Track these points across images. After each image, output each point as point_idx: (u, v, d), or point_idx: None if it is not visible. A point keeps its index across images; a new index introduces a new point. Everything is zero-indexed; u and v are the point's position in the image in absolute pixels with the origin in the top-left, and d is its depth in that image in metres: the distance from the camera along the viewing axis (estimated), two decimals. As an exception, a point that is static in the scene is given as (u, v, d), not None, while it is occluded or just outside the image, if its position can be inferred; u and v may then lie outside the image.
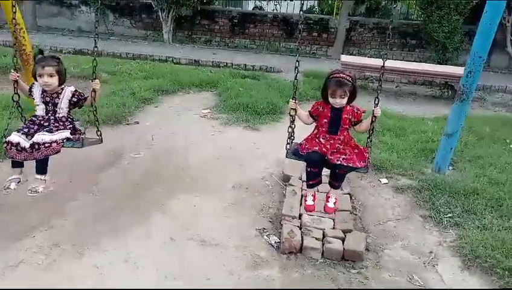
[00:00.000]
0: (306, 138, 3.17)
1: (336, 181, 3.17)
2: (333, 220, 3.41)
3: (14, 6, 3.24)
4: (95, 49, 3.20)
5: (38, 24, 12.35)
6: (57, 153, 2.97)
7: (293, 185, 3.91)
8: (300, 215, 3.45)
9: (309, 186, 3.21)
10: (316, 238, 3.17)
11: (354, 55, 11.28)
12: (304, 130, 3.30)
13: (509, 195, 3.92)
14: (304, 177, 3.85)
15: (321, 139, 3.03)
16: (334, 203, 3.24)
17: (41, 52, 3.09)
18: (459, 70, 7.07)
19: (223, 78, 7.80)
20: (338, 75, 2.91)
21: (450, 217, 3.64)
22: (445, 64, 9.78)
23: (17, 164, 3.04)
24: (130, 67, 8.26)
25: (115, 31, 12.40)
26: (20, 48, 4.54)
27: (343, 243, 3.11)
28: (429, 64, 9.27)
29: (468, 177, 4.29)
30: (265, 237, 3.30)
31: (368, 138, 3.08)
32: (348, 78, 2.89)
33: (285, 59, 10.49)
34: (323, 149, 2.98)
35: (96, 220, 3.35)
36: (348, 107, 2.99)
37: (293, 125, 3.19)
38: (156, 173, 4.20)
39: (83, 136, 3.15)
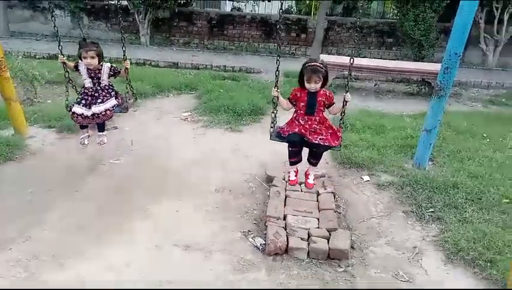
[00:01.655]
0: (287, 122, 3.46)
1: (314, 159, 3.51)
2: (318, 219, 3.42)
3: None
4: (123, 37, 3.98)
5: (10, 29, 12.01)
6: (110, 118, 3.95)
7: (276, 186, 3.90)
8: (285, 217, 3.44)
9: (291, 163, 3.53)
10: (302, 239, 3.16)
11: (333, 54, 11.39)
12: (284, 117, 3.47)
13: (488, 188, 4.00)
14: (287, 178, 3.94)
15: (300, 120, 3.34)
16: (313, 179, 3.63)
17: (84, 40, 3.89)
18: (435, 67, 7.19)
19: (203, 81, 7.74)
20: (312, 63, 3.28)
21: (431, 211, 3.70)
22: (422, 61, 9.92)
23: (83, 127, 4.06)
24: (108, 72, 8.10)
25: (90, 35, 12.15)
26: (-8, 54, 4.41)
27: (328, 242, 3.12)
28: (406, 61, 9.41)
29: (448, 172, 4.36)
30: (251, 239, 3.27)
31: (340, 119, 3.43)
32: (320, 66, 3.26)
33: (264, 60, 10.49)
34: (302, 130, 3.28)
35: (76, 228, 3.27)
36: (322, 91, 3.32)
37: (275, 111, 3.46)
38: (137, 178, 4.13)
39: (125, 100, 3.98)
